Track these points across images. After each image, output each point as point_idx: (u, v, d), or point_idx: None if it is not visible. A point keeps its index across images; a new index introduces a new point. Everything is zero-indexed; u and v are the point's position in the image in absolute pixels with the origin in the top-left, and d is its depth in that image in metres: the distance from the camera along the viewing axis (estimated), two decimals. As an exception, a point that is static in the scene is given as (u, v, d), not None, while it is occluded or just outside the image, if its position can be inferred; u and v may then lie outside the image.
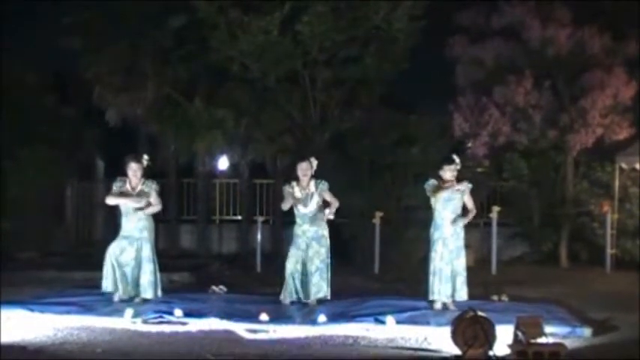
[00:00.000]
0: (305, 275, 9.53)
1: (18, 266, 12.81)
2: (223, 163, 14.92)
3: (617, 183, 14.04)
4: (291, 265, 9.54)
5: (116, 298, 9.34)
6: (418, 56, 14.90)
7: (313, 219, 9.59)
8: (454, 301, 9.23)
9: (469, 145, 14.14)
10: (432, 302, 9.28)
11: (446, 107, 14.32)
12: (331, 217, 9.71)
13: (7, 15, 15.23)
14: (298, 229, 9.66)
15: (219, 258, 14.65)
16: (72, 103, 15.88)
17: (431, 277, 9.28)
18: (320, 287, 9.47)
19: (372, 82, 14.94)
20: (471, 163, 13.68)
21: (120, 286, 9.32)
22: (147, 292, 9.37)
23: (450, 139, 14.22)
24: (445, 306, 9.21)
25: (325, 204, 9.68)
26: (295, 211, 9.69)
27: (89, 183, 16.34)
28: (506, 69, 14.03)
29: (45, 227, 15.31)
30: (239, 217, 16.06)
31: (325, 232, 9.66)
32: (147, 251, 9.42)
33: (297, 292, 9.54)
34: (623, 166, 14.10)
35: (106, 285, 9.34)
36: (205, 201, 16.02)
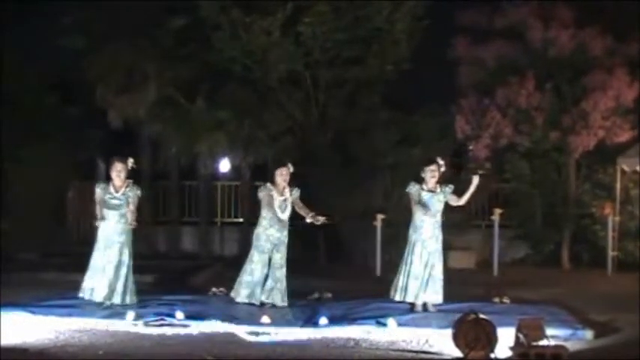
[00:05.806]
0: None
1: (18, 267, 12.75)
2: (225, 165, 14.90)
3: (618, 185, 14.02)
4: (258, 269, 9.39)
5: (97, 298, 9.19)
6: (420, 56, 14.88)
7: (282, 225, 9.49)
8: (434, 305, 9.20)
9: (471, 147, 14.12)
10: (412, 305, 9.21)
11: (448, 108, 14.31)
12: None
13: (9, 14, 15.20)
14: (263, 233, 9.48)
15: (220, 260, 14.61)
16: (73, 104, 15.83)
17: (405, 278, 9.22)
18: (270, 294, 9.38)
19: (373, 83, 14.93)
20: (473, 165, 13.64)
21: (96, 293, 9.15)
22: (121, 297, 9.18)
23: (452, 139, 14.21)
24: (425, 307, 9.20)
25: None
26: (264, 215, 9.50)
27: (90, 184, 16.23)
28: (509, 70, 14.01)
29: (46, 228, 15.28)
30: (240, 220, 16.04)
31: (287, 239, 9.54)
32: (126, 255, 9.28)
33: (254, 295, 9.41)
34: (625, 168, 14.08)
35: (83, 293, 9.20)
36: (207, 203, 16.00)
